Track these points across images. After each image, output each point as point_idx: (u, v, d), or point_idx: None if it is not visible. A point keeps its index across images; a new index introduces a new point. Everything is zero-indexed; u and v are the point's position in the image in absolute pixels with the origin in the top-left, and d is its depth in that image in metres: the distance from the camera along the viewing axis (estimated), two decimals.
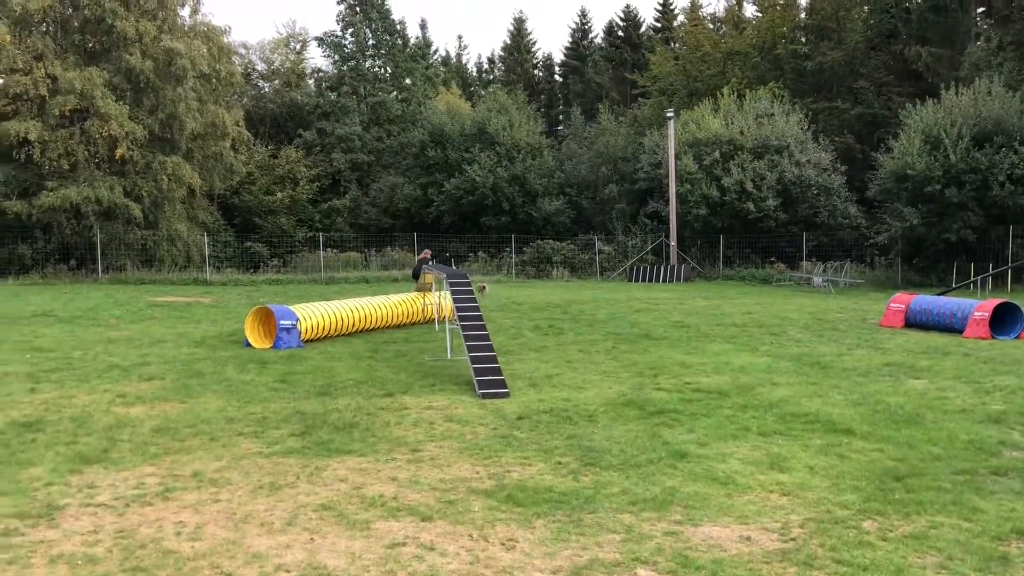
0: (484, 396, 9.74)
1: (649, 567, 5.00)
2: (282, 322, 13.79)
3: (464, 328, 11.25)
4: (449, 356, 12.48)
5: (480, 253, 36.68)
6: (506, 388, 9.97)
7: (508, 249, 36.15)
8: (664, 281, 33.09)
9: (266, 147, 41.72)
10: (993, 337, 14.67)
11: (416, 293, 17.50)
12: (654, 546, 5.29)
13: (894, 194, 30.63)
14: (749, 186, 32.89)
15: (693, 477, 6.67)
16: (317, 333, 14.53)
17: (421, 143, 40.90)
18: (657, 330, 15.99)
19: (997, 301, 15.56)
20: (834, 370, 11.48)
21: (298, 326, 13.94)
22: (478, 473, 6.84)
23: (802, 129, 35.04)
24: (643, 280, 33.63)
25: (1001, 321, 15.18)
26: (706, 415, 8.76)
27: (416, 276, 18.77)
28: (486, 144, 39.48)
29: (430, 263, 18.67)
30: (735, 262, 34.96)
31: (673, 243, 34.94)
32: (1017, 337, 14.75)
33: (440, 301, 16.18)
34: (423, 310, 17.02)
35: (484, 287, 20.03)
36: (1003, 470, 6.77)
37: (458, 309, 11.79)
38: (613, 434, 7.99)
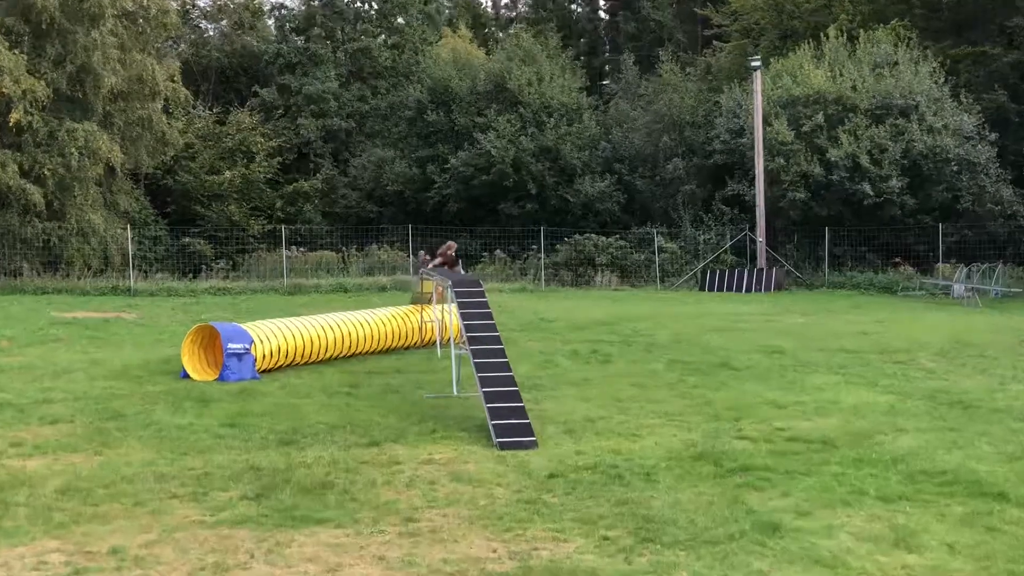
0: (503, 446, 9.72)
1: None
2: (231, 346, 13.84)
3: (476, 354, 11.24)
4: (456, 392, 12.47)
5: (498, 252, 36.74)
6: (533, 436, 9.95)
7: (535, 247, 36.16)
8: (748, 290, 32.97)
9: (211, 110, 42.10)
10: None
11: (412, 307, 17.53)
12: None
13: None
14: (864, 161, 32.75)
15: (789, 558, 6.61)
16: (278, 360, 14.57)
17: (418, 104, 41.06)
18: (739, 357, 15.88)
19: None
20: (982, 412, 11.37)
21: (253, 351, 14.00)
22: (495, 551, 6.81)
23: (937, 83, 34.86)
24: (719, 289, 33.53)
25: None
26: (806, 473, 8.69)
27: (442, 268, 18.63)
28: (506, 105, 39.55)
29: (436, 262, 18.56)
30: (845, 264, 34.79)
31: (761, 239, 34.82)
32: None
33: (444, 317, 16.19)
34: (420, 329, 17.03)
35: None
36: None
37: (467, 328, 11.80)
38: (679, 499, 7.94)
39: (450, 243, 19.37)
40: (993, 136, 34.61)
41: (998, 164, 34.60)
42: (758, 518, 7.40)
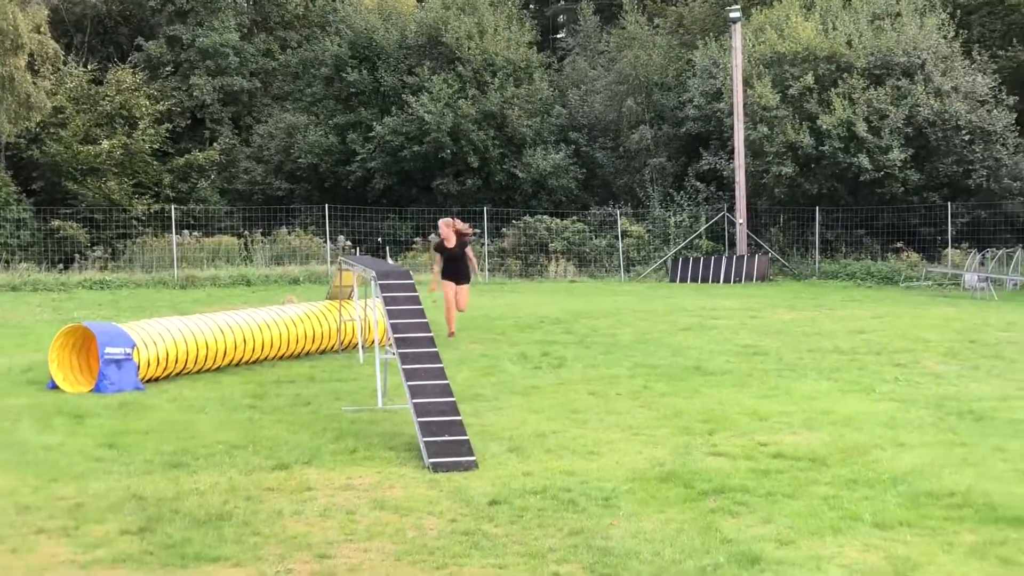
0: (437, 468, 9.71)
1: None
2: (109, 350, 13.69)
3: (405, 360, 11.22)
4: (380, 404, 12.44)
5: (433, 237, 36.52)
6: (472, 455, 9.94)
7: (478, 231, 36.17)
8: (726, 281, 33.26)
9: (85, 67, 41.53)
10: None
11: (328, 303, 17.45)
12: None
13: None
14: (861, 129, 33.15)
15: None
16: (166, 368, 14.46)
17: (336, 60, 40.87)
18: (715, 360, 15.99)
19: None
20: (996, 423, 11.54)
21: (135, 357, 13.87)
22: None
23: (946, 38, 35.35)
24: (693, 280, 33.78)
25: None
26: (791, 496, 8.77)
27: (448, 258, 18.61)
28: (441, 63, 39.51)
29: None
30: (839, 250, 35.23)
31: (741, 220, 35.14)
32: None
33: (367, 316, 16.13)
34: (339, 330, 16.98)
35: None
36: None
37: (395, 329, 11.77)
38: (643, 527, 7.98)
39: (452, 220, 19.07)
40: (1011, 100, 35.11)
41: (1016, 132, 35.10)
42: (734, 548, 7.45)
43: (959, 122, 33.73)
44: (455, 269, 18.58)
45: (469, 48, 39.42)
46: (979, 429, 11.28)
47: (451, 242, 18.51)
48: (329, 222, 36.03)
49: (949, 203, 34.28)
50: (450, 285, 18.44)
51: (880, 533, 7.84)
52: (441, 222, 18.90)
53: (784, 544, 7.60)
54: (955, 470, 9.55)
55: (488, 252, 35.55)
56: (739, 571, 7.06)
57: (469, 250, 18.98)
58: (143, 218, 37.97)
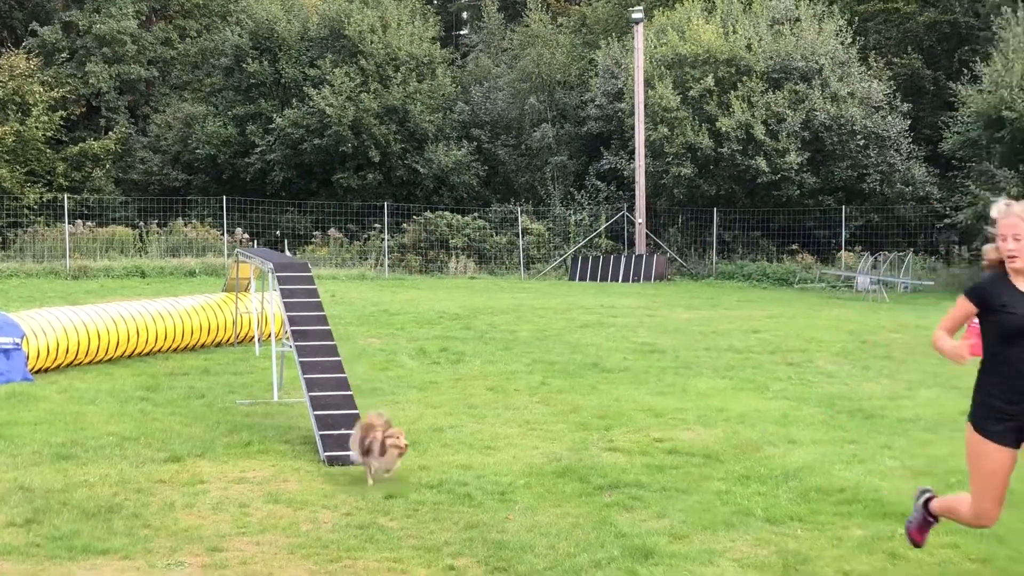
0: (332, 462, 9.66)
1: None
2: None
3: (302, 353, 11.13)
4: (276, 398, 12.34)
5: (332, 231, 36.52)
6: None
7: (378, 226, 36.06)
8: (625, 280, 33.53)
9: None
10: None
11: (225, 296, 17.27)
12: None
13: (983, 148, 31.69)
14: (760, 132, 33.63)
15: None
16: (56, 358, 14.22)
17: (237, 51, 40.43)
18: (612, 357, 16.12)
19: None
20: (885, 421, 11.77)
21: (24, 347, 13.62)
22: None
23: (843, 44, 36.01)
24: (592, 278, 34.01)
25: None
26: (685, 491, 8.85)
27: None
28: (343, 56, 39.28)
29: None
30: (736, 251, 35.69)
31: (640, 220, 35.46)
32: None
33: (263, 308, 15.99)
34: (235, 322, 16.80)
35: None
36: None
37: (292, 322, 11.67)
38: (538, 521, 8.00)
39: None
40: (905, 107, 35.89)
41: (910, 139, 35.87)
42: (628, 542, 7.49)
43: (854, 127, 34.38)
44: None
45: (372, 42, 39.27)
46: (868, 427, 11.49)
47: None
48: (227, 214, 35.66)
49: (843, 207, 34.93)
50: None
51: (771, 528, 7.94)
52: None
53: (677, 538, 7.66)
54: (845, 467, 9.71)
55: (388, 248, 35.39)
56: (632, 565, 7.10)
57: None
58: (35, 207, 37.25)
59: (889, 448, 10.48)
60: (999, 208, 6.20)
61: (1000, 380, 6.15)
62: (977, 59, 32.44)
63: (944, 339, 6.32)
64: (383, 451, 8.90)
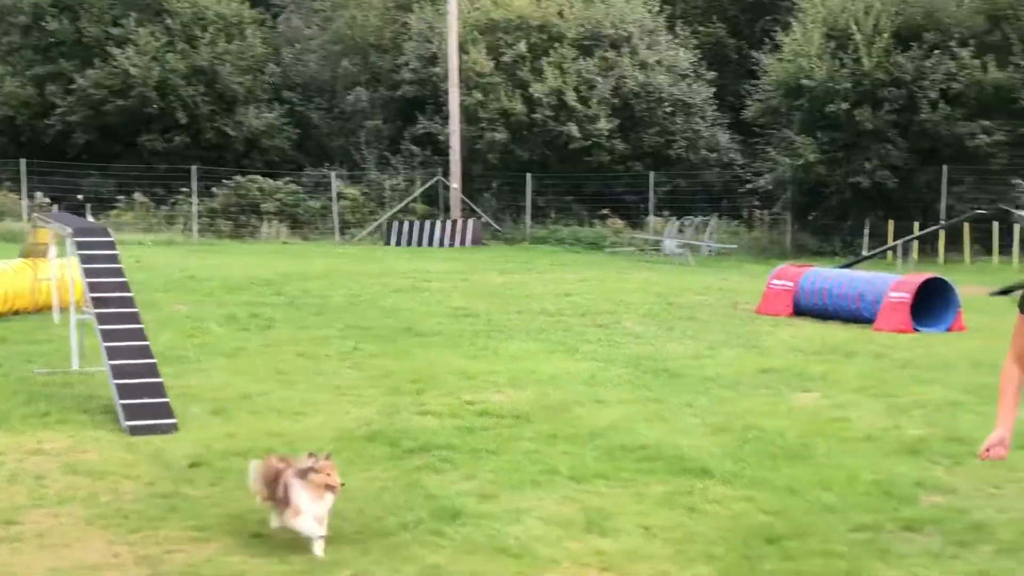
0: (134, 431, 9.46)
1: None
2: None
3: (103, 320, 10.85)
4: (76, 366, 11.99)
5: (138, 195, 35.64)
6: (173, 418, 9.73)
7: (186, 189, 35.34)
8: (440, 245, 33.62)
9: None
10: (916, 329, 16.00)
11: (22, 261, 16.71)
12: None
13: (783, 115, 32.72)
14: (571, 98, 34.03)
15: (469, 548, 6.76)
16: None
17: (35, 8, 38.98)
18: (426, 322, 16.14)
19: (924, 277, 17.03)
20: (688, 380, 12.08)
21: None
22: (117, 556, 6.61)
23: (651, 13, 36.64)
24: (408, 243, 34.00)
25: (928, 306, 16.57)
26: (494, 451, 8.95)
27: None
28: (148, 15, 38.33)
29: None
30: (549, 216, 36.04)
31: (455, 185, 35.55)
32: (948, 328, 16.24)
33: (63, 275, 15.52)
34: (33, 289, 16.27)
35: None
36: (918, 523, 7.31)
37: (92, 288, 11.36)
38: (347, 486, 8.01)
39: None
40: (710, 75, 36.80)
41: (715, 106, 36.82)
42: (437, 504, 7.55)
43: (662, 94, 35.11)
44: None
45: (178, 0, 38.39)
46: (672, 386, 11.77)
47: None
48: (26, 178, 34.53)
49: (652, 172, 35.59)
50: None
51: (576, 486, 8.09)
52: None
53: (486, 498, 7.75)
54: (648, 425, 9.94)
55: (198, 212, 34.69)
56: (440, 526, 7.16)
57: None
58: None
59: (691, 406, 10.75)
60: None
61: None
62: (778, 28, 33.47)
63: (1009, 388, 5.03)
64: (315, 493, 6.78)
